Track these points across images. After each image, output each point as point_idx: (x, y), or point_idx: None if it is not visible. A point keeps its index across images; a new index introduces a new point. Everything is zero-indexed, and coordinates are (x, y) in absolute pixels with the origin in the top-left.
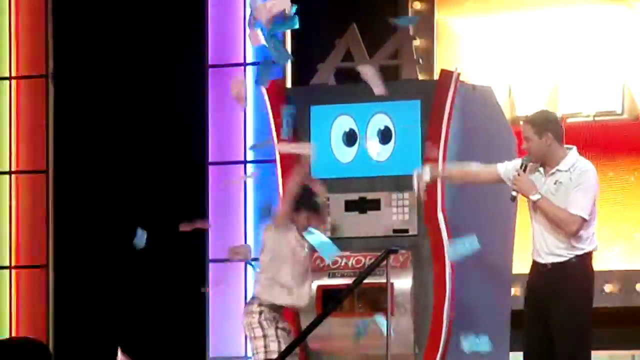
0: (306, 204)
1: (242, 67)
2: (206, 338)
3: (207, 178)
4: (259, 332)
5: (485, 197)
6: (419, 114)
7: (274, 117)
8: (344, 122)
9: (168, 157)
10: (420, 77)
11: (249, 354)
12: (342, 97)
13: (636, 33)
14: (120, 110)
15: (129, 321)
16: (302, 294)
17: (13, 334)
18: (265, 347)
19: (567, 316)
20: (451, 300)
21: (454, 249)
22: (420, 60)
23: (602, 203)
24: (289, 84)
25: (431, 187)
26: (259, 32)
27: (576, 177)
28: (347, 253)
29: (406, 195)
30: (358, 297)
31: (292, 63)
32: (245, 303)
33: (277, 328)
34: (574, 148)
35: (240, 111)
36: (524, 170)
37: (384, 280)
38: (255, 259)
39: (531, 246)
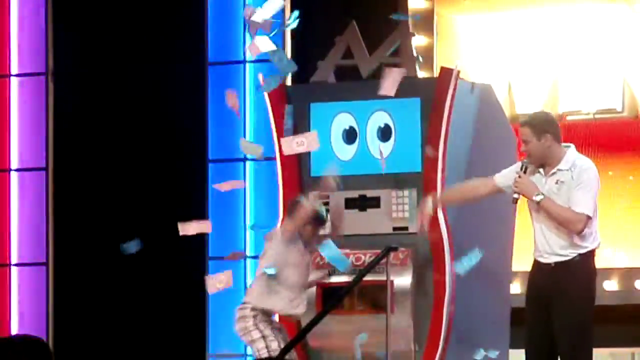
0: (312, 219)
1: (242, 65)
2: (206, 335)
3: (207, 175)
4: (257, 334)
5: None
6: (418, 112)
7: (274, 116)
8: (343, 120)
9: (168, 155)
10: (420, 75)
11: (249, 351)
12: (342, 94)
13: (636, 31)
14: (119, 108)
15: (129, 319)
16: (300, 303)
17: (13, 332)
18: (267, 347)
19: (569, 314)
20: (451, 298)
21: (461, 265)
22: (420, 58)
23: (601, 201)
24: (289, 82)
25: (431, 185)
26: (263, 38)
27: (577, 176)
28: (347, 251)
29: (406, 192)
30: (358, 295)
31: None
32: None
33: (272, 328)
34: (572, 146)
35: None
36: (525, 172)
37: (384, 278)
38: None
39: (531, 244)
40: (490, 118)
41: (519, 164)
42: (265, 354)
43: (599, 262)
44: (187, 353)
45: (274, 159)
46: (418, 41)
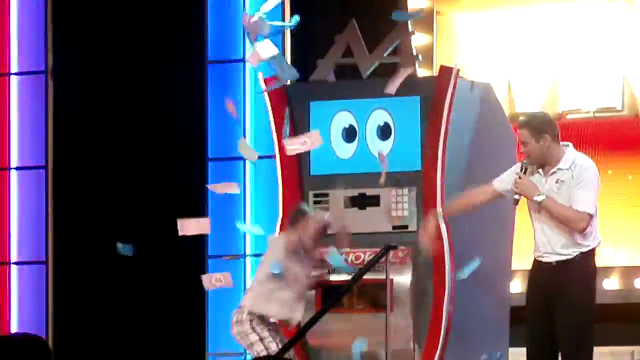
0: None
1: (242, 63)
2: (206, 334)
3: (206, 174)
4: (254, 337)
5: None
6: (418, 110)
7: (274, 115)
8: (343, 118)
9: (167, 153)
10: (420, 74)
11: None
12: (341, 93)
13: (636, 29)
14: (119, 107)
15: (129, 317)
16: (297, 310)
17: (12, 330)
18: (266, 348)
19: (571, 313)
20: (450, 297)
21: (462, 272)
22: (420, 57)
23: (601, 200)
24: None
25: (431, 184)
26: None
27: (578, 174)
28: (347, 249)
29: (405, 191)
30: (357, 294)
31: (292, 59)
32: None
33: (270, 330)
34: (570, 145)
35: (239, 106)
36: (524, 173)
37: (384, 277)
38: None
39: (531, 243)
40: (490, 116)
41: (518, 165)
42: (264, 354)
43: (599, 261)
44: (187, 352)
45: (274, 157)
46: (418, 40)
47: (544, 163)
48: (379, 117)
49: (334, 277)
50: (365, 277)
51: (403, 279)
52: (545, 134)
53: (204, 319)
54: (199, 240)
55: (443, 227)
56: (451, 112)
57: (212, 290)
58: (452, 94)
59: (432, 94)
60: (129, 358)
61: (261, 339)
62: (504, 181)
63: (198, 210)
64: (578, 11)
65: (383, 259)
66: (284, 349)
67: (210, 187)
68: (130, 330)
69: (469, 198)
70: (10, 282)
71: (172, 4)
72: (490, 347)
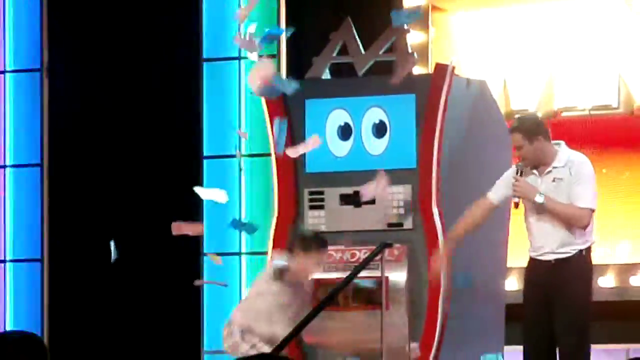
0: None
1: (237, 61)
2: (201, 331)
3: (201, 171)
4: (245, 347)
5: (479, 194)
6: (413, 108)
7: (269, 113)
8: (338, 116)
9: (162, 151)
10: (415, 71)
11: None
12: (336, 90)
13: (632, 27)
14: (114, 104)
15: (124, 315)
16: (285, 328)
17: (8, 328)
18: (258, 351)
19: (570, 311)
20: (446, 295)
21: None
22: (415, 54)
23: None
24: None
25: (426, 181)
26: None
27: (576, 171)
28: (342, 247)
29: (401, 189)
30: (353, 292)
31: (287, 57)
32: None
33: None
34: (562, 143)
35: (234, 104)
36: (521, 176)
37: (379, 274)
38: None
39: (526, 240)
40: (485, 114)
41: (513, 169)
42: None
43: (594, 259)
44: (183, 349)
45: (269, 155)
46: (413, 37)
47: (538, 164)
48: (375, 114)
49: (329, 275)
50: (360, 274)
51: (398, 276)
52: (538, 135)
53: (200, 316)
54: (194, 239)
55: (438, 224)
56: (446, 110)
57: (208, 288)
58: (448, 92)
59: (427, 92)
60: (125, 356)
61: (253, 345)
62: (500, 188)
63: (193, 207)
64: (573, 9)
65: (379, 256)
66: (280, 345)
67: (198, 190)
68: (126, 328)
69: (468, 217)
70: (6, 280)
71: (167, 1)
72: (486, 345)
